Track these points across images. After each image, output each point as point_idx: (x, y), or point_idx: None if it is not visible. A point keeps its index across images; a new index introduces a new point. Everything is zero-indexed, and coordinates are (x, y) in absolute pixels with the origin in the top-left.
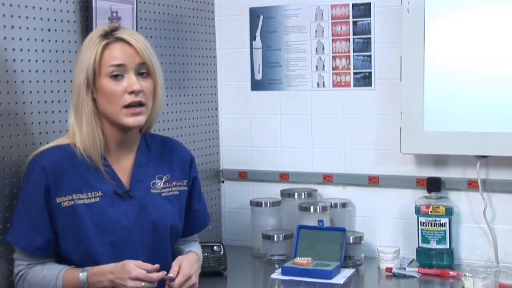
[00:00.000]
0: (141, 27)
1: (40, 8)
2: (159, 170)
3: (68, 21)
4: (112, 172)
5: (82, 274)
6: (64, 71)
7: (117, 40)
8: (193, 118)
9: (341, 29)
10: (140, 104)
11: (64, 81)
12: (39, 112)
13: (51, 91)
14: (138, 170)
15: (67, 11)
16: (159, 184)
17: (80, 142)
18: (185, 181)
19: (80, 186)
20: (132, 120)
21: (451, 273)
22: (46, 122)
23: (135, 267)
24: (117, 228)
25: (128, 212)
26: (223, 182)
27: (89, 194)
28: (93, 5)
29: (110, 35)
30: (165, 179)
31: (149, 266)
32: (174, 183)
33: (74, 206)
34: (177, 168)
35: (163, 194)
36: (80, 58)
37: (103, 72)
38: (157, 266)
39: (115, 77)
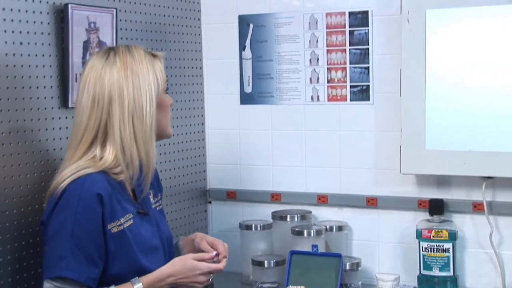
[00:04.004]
0: (121, 38)
1: (12, 21)
2: None
3: (42, 33)
4: (128, 192)
5: (137, 286)
6: (37, 87)
7: (160, 57)
8: (178, 134)
9: (336, 39)
10: None
11: (38, 98)
12: (10, 133)
13: (23, 109)
14: (138, 188)
15: (41, 23)
16: (152, 199)
17: (122, 165)
18: (159, 194)
19: (121, 210)
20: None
21: None
22: (18, 143)
23: (201, 263)
24: (152, 248)
25: (152, 230)
26: (210, 202)
27: (126, 216)
28: (69, 15)
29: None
30: (152, 193)
31: (207, 255)
32: (159, 196)
33: (123, 231)
34: (154, 181)
35: (157, 209)
36: (133, 81)
37: (163, 87)
38: (214, 254)
39: (166, 91)
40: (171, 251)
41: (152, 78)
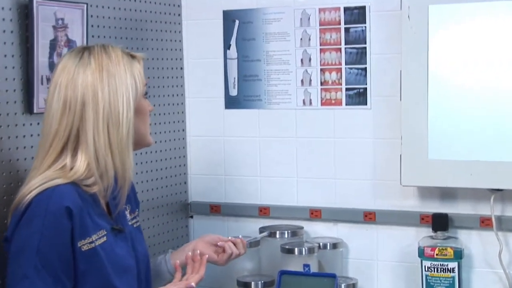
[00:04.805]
0: (92, 36)
1: None
2: None
3: (4, 31)
4: (102, 206)
5: None
6: None
7: (139, 58)
8: (155, 142)
9: (331, 37)
10: None
11: None
12: None
13: None
14: (113, 201)
15: (3, 20)
16: (128, 215)
17: (96, 176)
18: (137, 210)
19: (93, 226)
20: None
21: None
22: None
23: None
24: (127, 268)
25: (127, 249)
26: (191, 217)
27: (99, 233)
28: (34, 11)
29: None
30: (128, 209)
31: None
32: (136, 212)
33: (94, 249)
34: (131, 196)
35: (134, 226)
36: (109, 84)
37: (142, 91)
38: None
39: (145, 95)
40: (147, 272)
41: (130, 81)
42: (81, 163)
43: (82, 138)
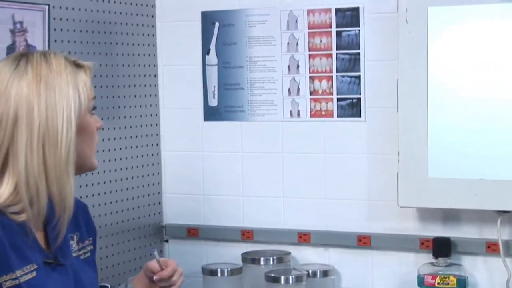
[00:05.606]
0: (55, 41)
1: None
2: (67, 227)
3: None
4: (34, 237)
5: None
6: None
7: (86, 68)
8: (126, 158)
9: (320, 41)
10: None
11: None
12: None
13: None
14: (53, 232)
15: None
16: (74, 245)
17: (25, 202)
18: (91, 238)
19: (18, 260)
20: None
21: None
22: None
23: None
24: None
25: (65, 285)
26: (166, 241)
27: (26, 268)
28: None
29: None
30: (76, 238)
31: None
32: (86, 242)
33: (18, 286)
34: (82, 222)
35: (81, 258)
36: (47, 98)
37: (87, 106)
38: None
39: (93, 111)
40: None
41: (72, 94)
42: (6, 187)
43: (11, 159)
